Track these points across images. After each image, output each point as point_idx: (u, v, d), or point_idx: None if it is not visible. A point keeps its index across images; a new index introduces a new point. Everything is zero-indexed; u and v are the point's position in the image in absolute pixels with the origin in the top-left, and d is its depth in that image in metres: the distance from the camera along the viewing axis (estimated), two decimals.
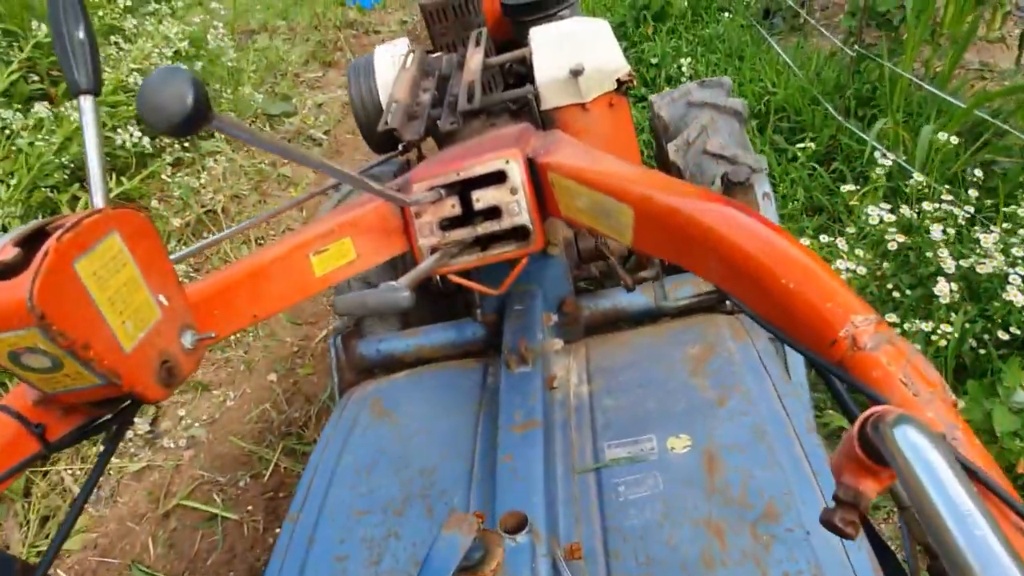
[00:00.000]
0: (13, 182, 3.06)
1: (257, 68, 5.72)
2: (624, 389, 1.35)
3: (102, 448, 0.94)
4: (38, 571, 0.84)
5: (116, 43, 3.81)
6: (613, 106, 1.76)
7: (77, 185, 3.30)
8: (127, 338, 0.83)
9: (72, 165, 3.32)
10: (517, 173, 1.28)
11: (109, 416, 0.93)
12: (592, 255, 1.80)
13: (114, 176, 3.41)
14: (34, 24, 3.43)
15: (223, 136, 4.54)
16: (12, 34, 3.59)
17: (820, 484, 1.05)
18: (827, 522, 0.55)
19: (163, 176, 3.60)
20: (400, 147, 1.77)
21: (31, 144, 3.12)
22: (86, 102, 0.94)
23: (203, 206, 3.72)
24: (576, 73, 1.68)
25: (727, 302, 1.53)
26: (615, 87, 1.74)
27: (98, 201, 0.89)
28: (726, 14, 5.08)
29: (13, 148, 3.08)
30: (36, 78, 3.69)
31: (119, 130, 3.56)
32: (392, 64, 2.00)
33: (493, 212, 1.30)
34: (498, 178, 1.29)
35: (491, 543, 0.80)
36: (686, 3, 5.23)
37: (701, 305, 1.53)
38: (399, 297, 0.96)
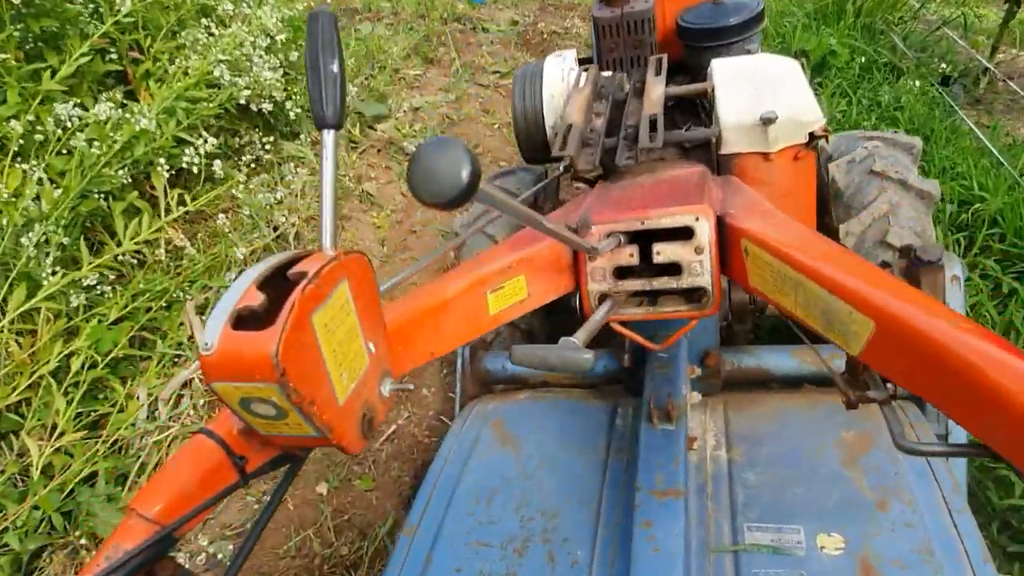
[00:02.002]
0: (64, 183, 2.59)
1: (355, 56, 5.21)
2: (768, 464, 1.28)
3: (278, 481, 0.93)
4: None
5: (207, 27, 3.31)
6: (799, 159, 1.63)
7: (135, 194, 2.82)
8: (342, 390, 0.83)
9: (134, 171, 2.83)
10: (706, 233, 1.21)
11: (302, 455, 0.94)
12: (744, 309, 1.70)
13: (177, 190, 2.90)
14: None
15: (309, 139, 4.03)
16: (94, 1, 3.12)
17: None
18: None
19: (235, 192, 3.09)
20: (562, 168, 1.63)
21: (89, 143, 2.64)
22: (328, 136, 0.94)
23: (275, 227, 3.21)
24: (768, 121, 1.55)
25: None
26: (805, 140, 1.61)
27: (328, 243, 0.89)
28: (901, 77, 4.30)
29: (69, 147, 2.60)
30: (115, 55, 3.23)
31: (194, 133, 3.06)
32: (560, 78, 1.92)
33: (672, 268, 1.24)
34: (683, 233, 1.22)
35: None
36: (851, 53, 4.47)
37: (949, 455, 1.22)
38: (581, 360, 0.94)
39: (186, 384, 2.52)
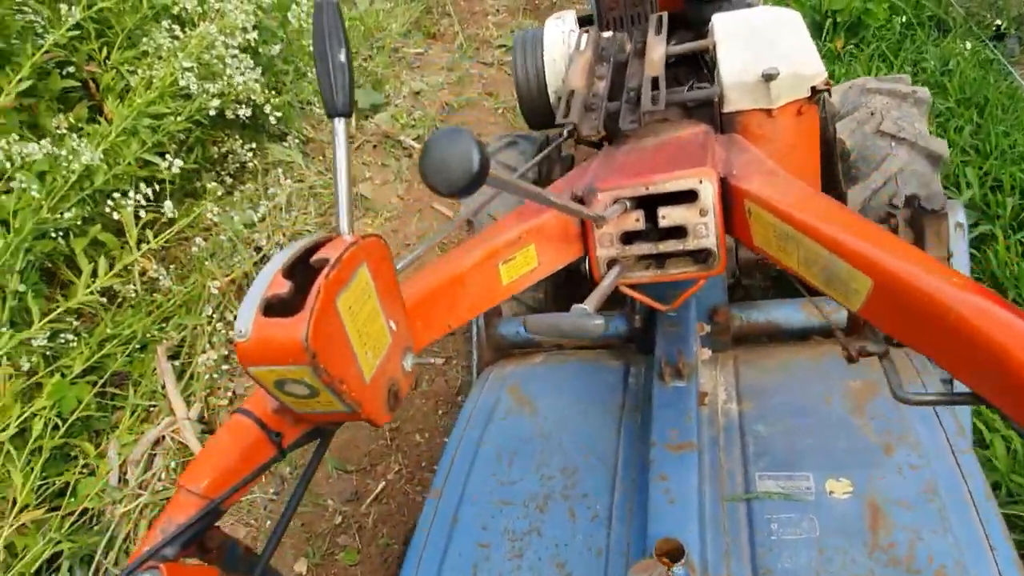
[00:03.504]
0: (16, 225, 2.36)
1: (351, 38, 4.87)
2: (777, 415, 1.31)
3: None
4: (261, 560, 0.93)
5: (170, 30, 3.01)
6: (802, 114, 1.61)
7: (98, 227, 2.58)
8: (368, 368, 0.88)
9: (95, 203, 2.59)
10: (710, 195, 1.23)
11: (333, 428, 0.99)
12: (752, 266, 1.75)
13: (150, 215, 2.64)
14: (63, 8, 2.67)
15: (296, 142, 3.75)
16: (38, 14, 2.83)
17: (997, 560, 0.99)
18: None
19: (210, 215, 2.82)
20: (565, 133, 1.64)
21: (40, 177, 2.39)
22: (340, 124, 0.97)
23: (258, 249, 2.96)
24: (769, 78, 1.53)
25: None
26: (808, 95, 1.58)
27: (345, 227, 0.92)
28: (948, 34, 3.83)
29: (15, 185, 2.36)
30: (74, 69, 2.97)
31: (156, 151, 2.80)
32: (561, 40, 1.91)
33: (678, 231, 1.26)
34: (687, 196, 1.24)
35: None
36: (890, 10, 3.98)
37: (945, 404, 1.25)
38: (592, 326, 0.96)
39: (157, 442, 2.32)
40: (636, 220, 1.27)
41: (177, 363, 2.56)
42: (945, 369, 0.88)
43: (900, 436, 1.21)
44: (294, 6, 3.86)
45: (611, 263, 1.30)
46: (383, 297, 0.91)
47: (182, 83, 2.90)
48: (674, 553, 0.90)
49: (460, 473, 1.35)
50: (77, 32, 2.82)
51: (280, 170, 3.61)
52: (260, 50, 3.67)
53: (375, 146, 4.08)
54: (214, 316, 2.67)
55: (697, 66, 1.84)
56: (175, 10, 3.04)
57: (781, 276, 1.91)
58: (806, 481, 1.17)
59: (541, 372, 1.60)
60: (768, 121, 1.59)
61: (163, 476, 2.25)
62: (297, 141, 3.85)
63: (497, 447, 1.40)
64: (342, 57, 0.98)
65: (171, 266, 2.87)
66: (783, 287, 1.94)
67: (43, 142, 2.34)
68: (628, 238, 1.29)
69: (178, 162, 2.70)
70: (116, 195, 2.49)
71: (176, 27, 3.07)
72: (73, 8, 2.68)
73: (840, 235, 0.99)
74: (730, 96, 1.59)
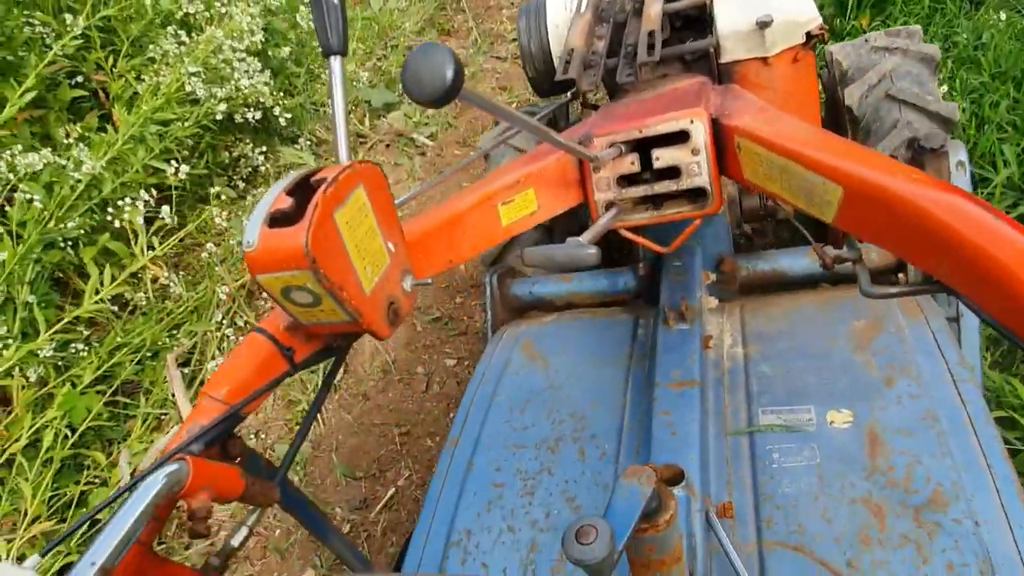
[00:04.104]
0: (25, 237, 2.36)
1: (365, 37, 4.84)
2: (782, 357, 1.34)
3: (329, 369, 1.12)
4: (280, 470, 1.05)
5: (176, 35, 2.99)
6: (798, 61, 1.62)
7: (107, 235, 2.57)
8: (367, 281, 0.96)
9: (101, 209, 2.59)
10: (701, 134, 1.26)
11: (343, 344, 1.09)
12: (756, 214, 1.78)
13: (159, 222, 2.63)
14: (68, 18, 2.66)
15: (308, 143, 3.72)
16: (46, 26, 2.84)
17: (995, 477, 1.02)
18: None
19: (218, 219, 2.80)
20: (569, 94, 1.72)
21: (48, 188, 2.39)
22: (335, 62, 1.04)
23: None
24: (763, 25, 1.56)
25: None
26: (803, 41, 1.60)
27: (343, 156, 1.03)
28: (980, 6, 3.63)
29: (18, 197, 2.36)
30: (82, 79, 2.98)
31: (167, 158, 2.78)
32: (563, 7, 1.93)
33: (671, 171, 1.30)
34: (680, 137, 1.28)
35: (665, 496, 0.79)
36: None
37: (911, 294, 1.29)
38: (585, 254, 1.00)
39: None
40: (631, 163, 1.31)
41: (188, 370, 2.54)
42: (911, 262, 0.94)
43: (902, 369, 1.23)
44: (303, 7, 3.83)
45: (609, 206, 1.33)
46: (380, 219, 0.98)
47: (189, 88, 2.89)
48: (674, 478, 0.91)
49: (475, 423, 1.40)
50: (83, 41, 2.82)
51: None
52: (270, 52, 3.65)
53: (388, 145, 4.04)
54: (223, 322, 2.65)
55: (700, 28, 1.85)
56: (179, 15, 3.02)
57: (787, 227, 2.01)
58: (807, 413, 1.20)
59: (553, 329, 1.64)
60: (765, 69, 1.62)
61: None
62: (310, 143, 3.82)
63: (510, 398, 1.44)
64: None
65: (182, 272, 2.86)
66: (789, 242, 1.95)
67: (44, 152, 2.33)
68: (625, 181, 1.33)
69: (185, 168, 2.68)
70: (122, 202, 2.48)
71: (182, 33, 3.06)
72: (78, 17, 2.67)
73: (812, 152, 1.04)
74: (726, 46, 1.62)
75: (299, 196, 0.88)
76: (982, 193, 2.51)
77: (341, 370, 2.57)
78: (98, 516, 1.18)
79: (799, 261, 1.57)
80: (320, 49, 1.04)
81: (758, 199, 1.74)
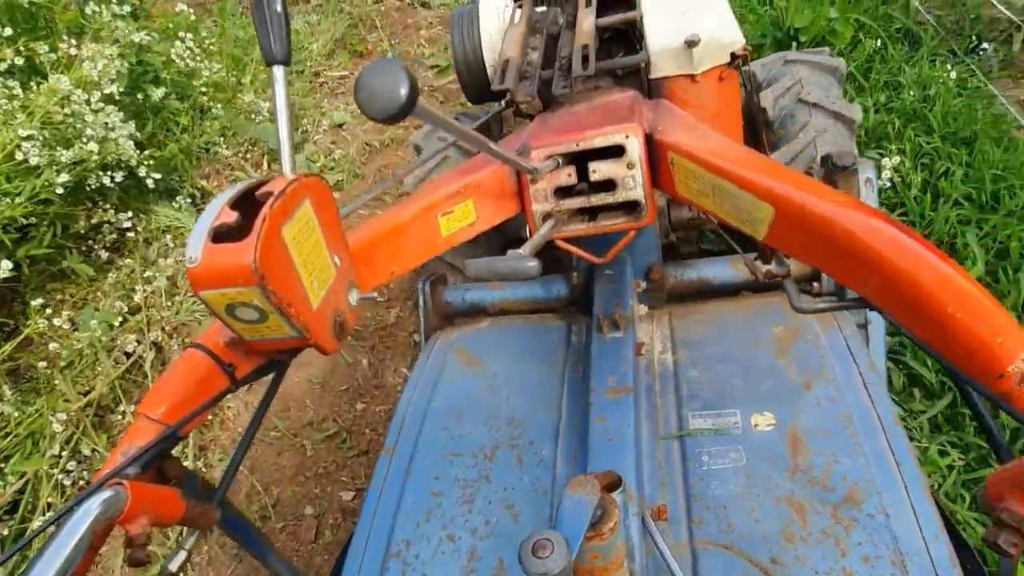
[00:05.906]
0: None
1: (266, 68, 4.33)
2: (709, 362, 1.41)
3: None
4: (218, 491, 1.01)
5: (6, 86, 2.44)
6: (723, 80, 1.69)
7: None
8: (315, 296, 0.95)
9: None
10: (636, 149, 1.31)
11: (284, 359, 1.07)
12: (684, 225, 1.88)
13: None
14: None
15: (187, 204, 3.21)
16: None
17: (903, 475, 1.11)
18: (991, 542, 0.71)
19: (52, 336, 2.27)
20: (502, 103, 1.87)
21: None
22: (278, 71, 1.02)
23: (117, 362, 2.42)
24: (691, 44, 1.61)
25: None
26: (728, 60, 1.66)
27: (288, 168, 0.98)
28: (918, 48, 3.43)
29: None
30: None
31: None
32: (497, 16, 1.97)
33: (607, 184, 1.35)
34: (616, 151, 1.33)
35: (609, 504, 0.82)
36: (857, 27, 3.57)
37: (838, 309, 1.42)
38: (527, 267, 1.06)
39: None
40: (568, 175, 1.35)
41: (8, 529, 2.03)
42: (836, 279, 1.02)
43: (819, 373, 1.32)
44: (178, 42, 3.30)
45: (546, 217, 1.38)
46: (326, 232, 0.98)
47: (18, 156, 2.36)
48: (612, 484, 0.93)
49: (412, 430, 1.41)
50: None
51: (169, 237, 3.07)
52: (140, 95, 3.12)
53: None
54: (63, 454, 2.14)
55: (628, 42, 1.93)
56: (11, 59, 2.47)
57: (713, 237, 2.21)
58: (734, 417, 1.28)
59: (487, 335, 1.68)
60: (692, 86, 1.67)
61: None
62: (191, 199, 3.31)
63: (446, 404, 1.46)
64: (278, 6, 1.02)
65: (18, 383, 2.33)
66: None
67: None
68: (561, 193, 1.38)
69: (7, 264, 2.16)
70: None
71: (14, 84, 2.51)
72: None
73: (746, 172, 1.09)
74: (656, 62, 1.68)
75: (244, 210, 0.85)
76: None
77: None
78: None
79: (724, 270, 1.68)
80: (264, 58, 1.02)
81: (687, 210, 1.83)
